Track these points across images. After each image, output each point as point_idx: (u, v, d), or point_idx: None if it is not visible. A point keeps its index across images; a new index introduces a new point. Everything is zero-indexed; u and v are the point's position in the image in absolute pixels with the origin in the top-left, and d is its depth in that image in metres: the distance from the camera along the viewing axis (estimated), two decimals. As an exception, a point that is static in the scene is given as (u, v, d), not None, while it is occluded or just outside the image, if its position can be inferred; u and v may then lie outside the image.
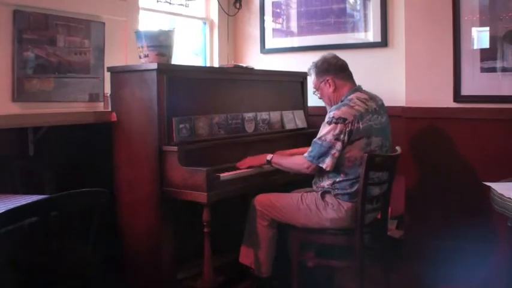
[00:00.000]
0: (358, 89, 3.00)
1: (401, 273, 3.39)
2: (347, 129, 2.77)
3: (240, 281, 3.22)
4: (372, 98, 2.96)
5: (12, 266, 1.84)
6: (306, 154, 2.88)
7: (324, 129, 2.83)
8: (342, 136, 2.77)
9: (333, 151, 2.78)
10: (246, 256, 3.06)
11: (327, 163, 2.79)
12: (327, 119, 2.86)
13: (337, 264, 3.05)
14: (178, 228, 2.98)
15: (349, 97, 2.92)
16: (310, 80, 3.17)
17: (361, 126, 2.79)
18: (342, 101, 2.94)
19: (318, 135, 2.85)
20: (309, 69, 3.12)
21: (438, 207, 3.64)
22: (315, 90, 3.11)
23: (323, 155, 2.80)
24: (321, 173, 2.90)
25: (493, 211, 2.37)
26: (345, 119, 2.78)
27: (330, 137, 2.78)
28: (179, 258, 3.02)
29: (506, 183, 2.43)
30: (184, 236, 3.05)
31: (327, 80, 3.00)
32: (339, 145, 2.77)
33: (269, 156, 3.04)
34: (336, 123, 2.78)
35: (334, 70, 3.01)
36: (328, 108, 3.01)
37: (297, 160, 2.96)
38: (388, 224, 3.20)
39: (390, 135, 3.01)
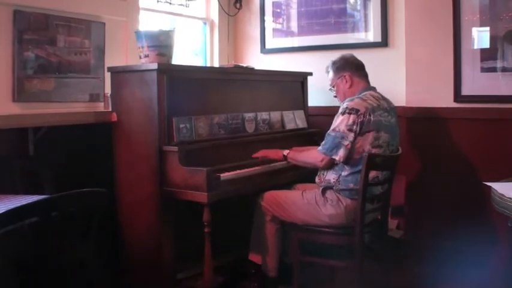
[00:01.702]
0: (372, 88, 3.08)
1: (401, 273, 3.39)
2: (359, 120, 2.83)
3: (240, 281, 3.23)
4: (384, 99, 3.04)
5: (12, 267, 1.84)
6: (319, 147, 2.93)
7: (337, 120, 2.90)
8: (354, 127, 2.83)
9: (346, 142, 2.83)
10: (254, 253, 3.09)
11: (339, 155, 2.84)
12: (340, 110, 2.93)
13: (337, 264, 3.04)
14: (178, 228, 2.98)
15: (362, 93, 3.00)
16: (327, 78, 3.21)
17: (372, 119, 2.85)
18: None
19: (331, 127, 2.91)
20: (327, 67, 3.20)
21: (438, 207, 3.63)
22: (331, 87, 3.18)
23: (336, 146, 2.84)
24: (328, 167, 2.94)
25: (493, 211, 2.37)
26: (357, 110, 2.84)
27: (343, 127, 2.84)
28: (179, 258, 3.02)
29: (506, 183, 2.42)
30: (185, 236, 3.05)
31: (344, 76, 3.09)
32: (351, 136, 2.83)
33: (286, 152, 3.11)
34: (349, 113, 2.85)
35: (351, 67, 3.10)
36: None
37: (311, 154, 3.02)
38: (388, 224, 3.20)
39: (398, 137, 3.05)
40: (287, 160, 3.11)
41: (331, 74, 3.16)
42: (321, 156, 2.90)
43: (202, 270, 2.87)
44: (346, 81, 3.08)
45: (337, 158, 2.84)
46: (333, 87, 3.16)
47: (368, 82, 3.13)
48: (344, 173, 2.88)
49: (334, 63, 3.15)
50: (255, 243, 3.10)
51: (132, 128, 2.98)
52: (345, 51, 3.57)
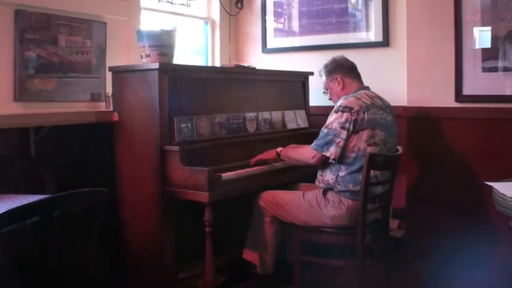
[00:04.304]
0: (366, 88, 3.09)
1: (403, 273, 3.39)
2: (352, 118, 2.83)
3: (241, 281, 3.23)
4: (379, 97, 3.03)
5: (13, 266, 1.84)
6: (312, 144, 2.94)
7: (331, 118, 2.91)
8: (347, 125, 2.83)
9: (338, 139, 2.83)
10: (250, 252, 3.09)
11: (331, 151, 2.84)
12: (334, 108, 2.94)
13: (338, 264, 3.04)
14: (179, 228, 2.98)
15: (357, 93, 3.00)
16: (321, 81, 3.23)
17: (366, 117, 2.85)
18: None
19: (325, 124, 2.92)
20: (320, 71, 3.23)
21: (439, 207, 3.64)
22: (325, 90, 3.20)
23: (328, 143, 2.85)
24: (324, 166, 2.94)
25: (493, 211, 2.37)
26: (351, 108, 2.85)
27: (335, 124, 2.85)
28: (181, 258, 3.02)
29: (508, 183, 2.42)
30: (186, 235, 3.05)
31: (336, 78, 3.10)
32: (344, 134, 2.83)
33: (279, 149, 3.12)
34: (343, 111, 2.86)
35: (342, 69, 3.11)
36: None
37: (303, 150, 3.02)
38: (389, 223, 3.20)
39: (396, 135, 3.05)
40: (280, 157, 3.11)
41: (324, 77, 3.19)
42: (313, 153, 2.91)
43: (204, 270, 2.87)
44: (338, 83, 3.10)
45: (328, 154, 2.85)
46: (327, 90, 3.18)
47: (361, 82, 3.13)
48: (341, 174, 2.88)
49: (325, 66, 3.17)
50: (251, 243, 3.10)
51: (134, 127, 2.98)
52: (346, 51, 3.58)
